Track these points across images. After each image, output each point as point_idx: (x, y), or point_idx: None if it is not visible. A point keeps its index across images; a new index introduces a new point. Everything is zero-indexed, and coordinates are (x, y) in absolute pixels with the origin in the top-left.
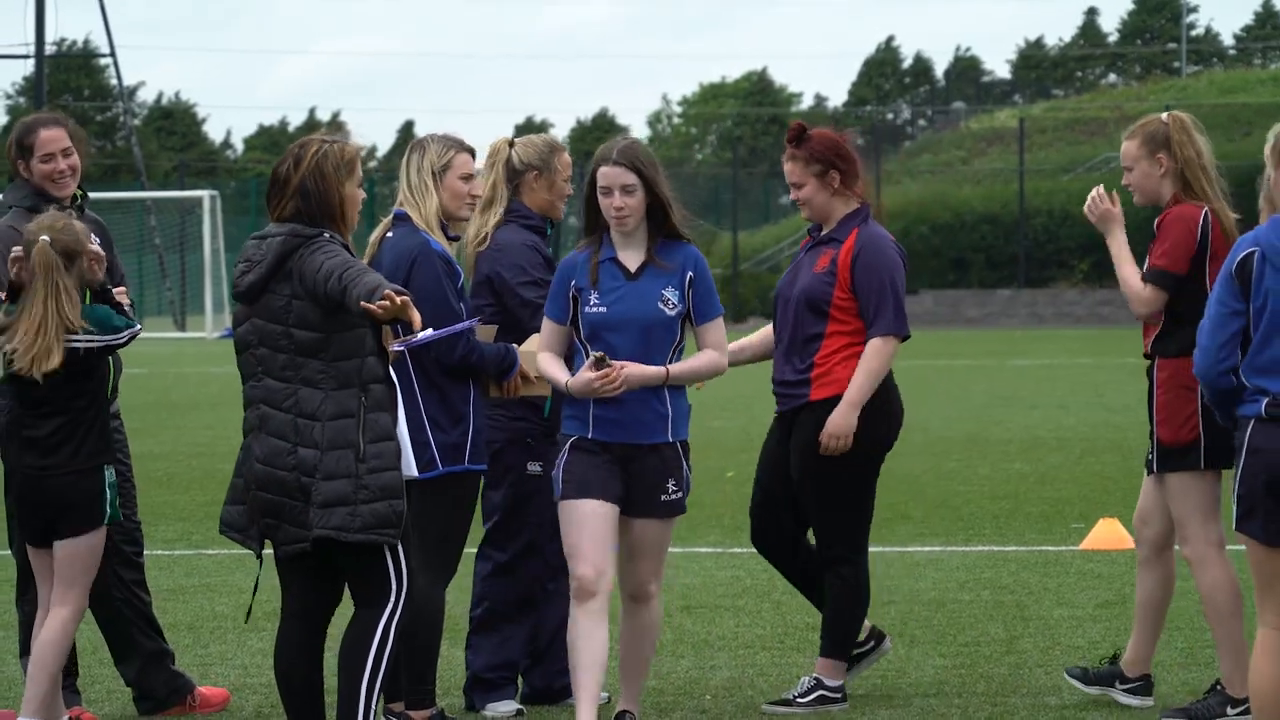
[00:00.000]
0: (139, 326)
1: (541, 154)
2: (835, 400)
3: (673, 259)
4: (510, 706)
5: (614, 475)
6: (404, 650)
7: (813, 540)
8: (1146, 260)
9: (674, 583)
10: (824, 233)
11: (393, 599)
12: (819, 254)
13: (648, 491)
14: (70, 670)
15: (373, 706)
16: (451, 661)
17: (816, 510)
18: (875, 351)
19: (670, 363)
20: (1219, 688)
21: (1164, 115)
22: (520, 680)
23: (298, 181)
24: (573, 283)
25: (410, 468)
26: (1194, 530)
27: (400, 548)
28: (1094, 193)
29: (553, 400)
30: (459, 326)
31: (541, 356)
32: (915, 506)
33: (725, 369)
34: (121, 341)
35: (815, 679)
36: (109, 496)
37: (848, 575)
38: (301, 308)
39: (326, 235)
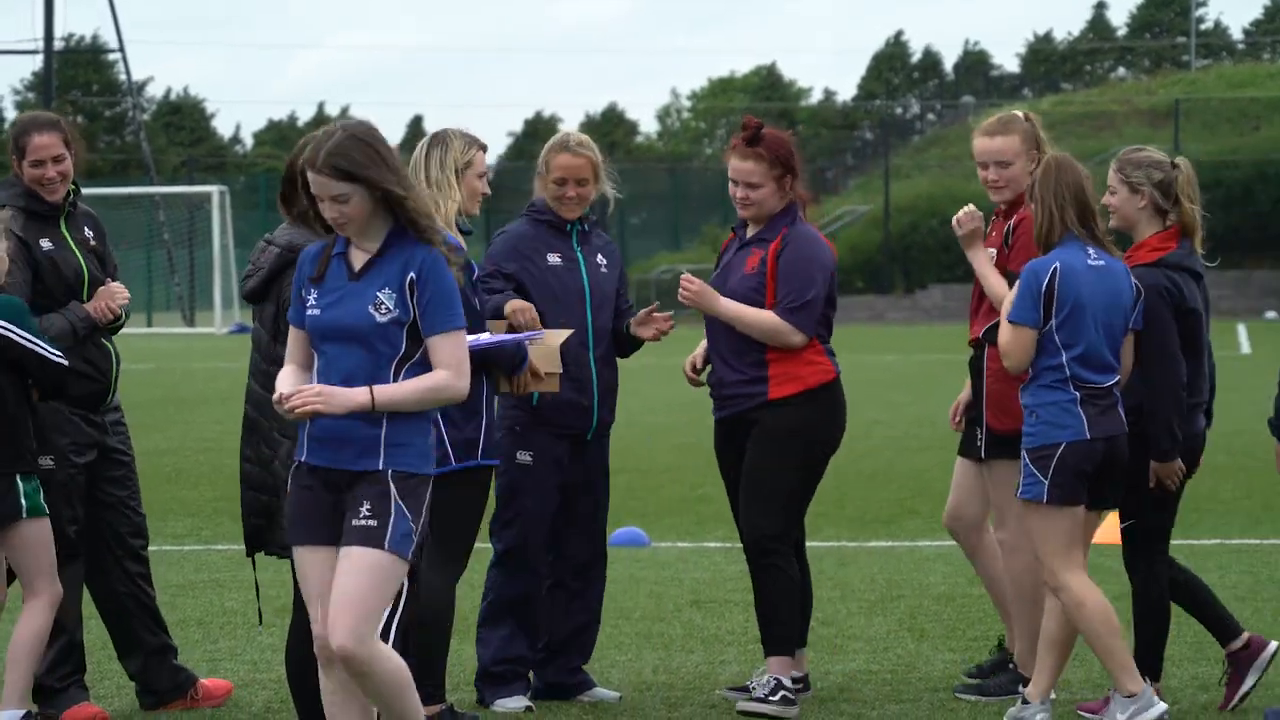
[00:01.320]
0: (62, 362)
1: (543, 155)
2: (797, 397)
3: (395, 257)
4: (520, 702)
5: (326, 511)
6: (414, 645)
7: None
8: (999, 255)
9: (683, 577)
10: (754, 233)
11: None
12: (748, 255)
13: (346, 518)
14: (79, 666)
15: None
16: (462, 656)
17: (759, 504)
18: (769, 318)
19: (401, 379)
20: (1012, 667)
21: (1020, 114)
22: (533, 675)
23: None
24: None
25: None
26: (1014, 516)
27: None
28: (966, 209)
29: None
30: (510, 338)
31: (284, 370)
32: (924, 501)
33: (460, 393)
34: (36, 352)
35: (775, 680)
36: (23, 489)
37: (785, 567)
38: (285, 324)
39: None
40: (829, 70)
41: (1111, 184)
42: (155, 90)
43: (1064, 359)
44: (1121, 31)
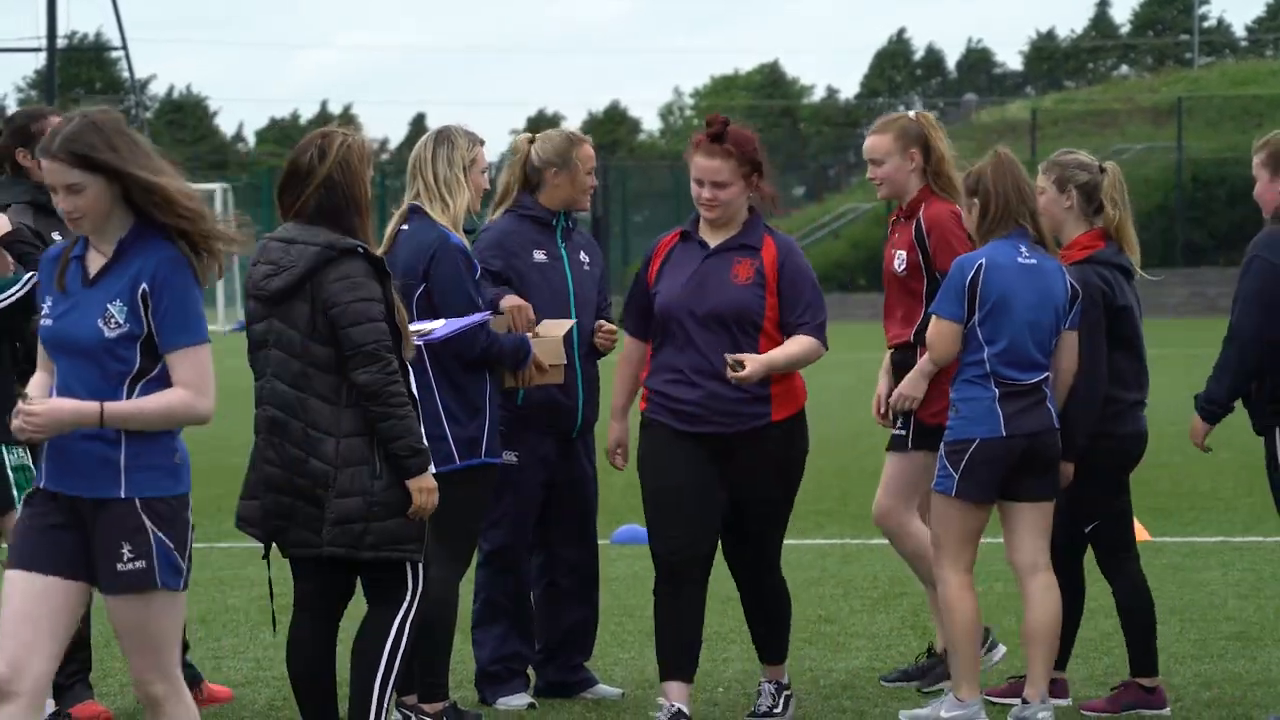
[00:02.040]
0: (31, 275)
1: (560, 150)
2: (794, 419)
3: (130, 264)
4: (522, 700)
5: (67, 538)
6: (417, 643)
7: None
8: (910, 255)
9: None
10: (729, 238)
11: (408, 598)
12: (730, 262)
13: (104, 560)
14: (85, 664)
15: (385, 704)
16: (464, 654)
17: (773, 525)
18: (811, 344)
19: (137, 396)
20: (934, 651)
21: (911, 113)
22: (534, 674)
23: (324, 174)
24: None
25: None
26: (919, 504)
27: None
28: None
29: (525, 389)
30: (473, 319)
31: (34, 379)
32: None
33: (205, 414)
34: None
35: (776, 684)
36: (13, 478)
37: (782, 582)
38: (323, 323)
39: (359, 250)
40: (831, 68)
41: (1040, 184)
42: (158, 88)
43: (985, 355)
44: (1124, 29)
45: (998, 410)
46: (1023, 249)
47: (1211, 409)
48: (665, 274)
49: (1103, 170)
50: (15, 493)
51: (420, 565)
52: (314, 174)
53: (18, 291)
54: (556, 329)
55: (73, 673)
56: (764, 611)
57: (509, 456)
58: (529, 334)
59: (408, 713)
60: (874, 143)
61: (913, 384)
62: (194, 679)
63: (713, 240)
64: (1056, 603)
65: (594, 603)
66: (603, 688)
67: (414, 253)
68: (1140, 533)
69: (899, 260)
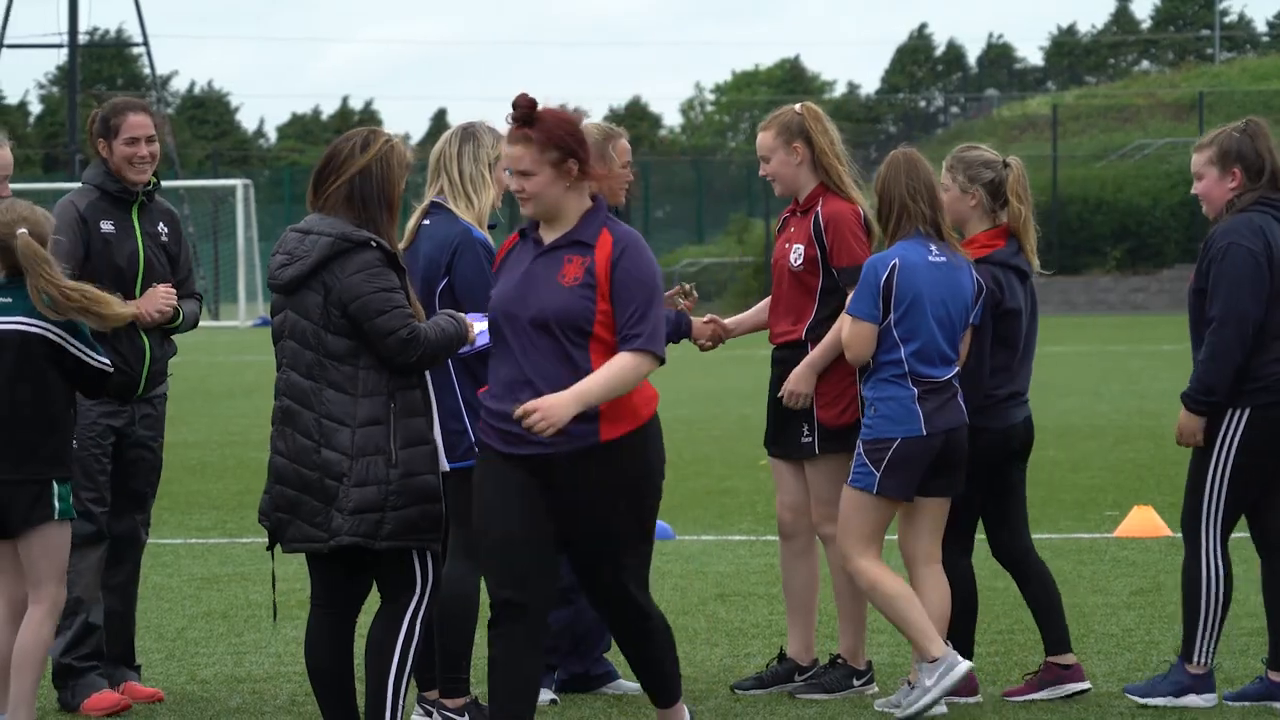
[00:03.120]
0: (106, 368)
1: (596, 143)
2: (632, 437)
3: None
4: (544, 695)
5: None
6: (438, 638)
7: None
8: (808, 250)
9: (708, 570)
10: (561, 235)
11: (418, 593)
12: (559, 261)
13: None
14: (97, 650)
15: (401, 700)
16: (484, 649)
17: (623, 551)
18: (624, 364)
19: None
20: (840, 660)
21: (797, 106)
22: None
23: (363, 163)
24: None
25: (442, 462)
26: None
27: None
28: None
29: None
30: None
31: None
32: None
33: None
34: (81, 359)
35: None
36: (57, 490)
37: (647, 613)
38: (336, 314)
39: (373, 243)
40: (852, 63)
41: (944, 181)
42: (179, 84)
43: (903, 354)
44: (1145, 24)
45: (917, 409)
46: (932, 248)
47: (1209, 400)
48: (501, 275)
49: (1006, 166)
50: (57, 504)
51: (430, 559)
52: (353, 160)
53: (91, 359)
54: None
55: (86, 656)
56: (632, 648)
57: None
58: None
59: (429, 708)
60: (760, 140)
61: (803, 380)
62: (92, 684)
63: (548, 237)
64: (945, 595)
65: None
66: (623, 683)
67: (437, 247)
68: (1161, 528)
69: (796, 254)
